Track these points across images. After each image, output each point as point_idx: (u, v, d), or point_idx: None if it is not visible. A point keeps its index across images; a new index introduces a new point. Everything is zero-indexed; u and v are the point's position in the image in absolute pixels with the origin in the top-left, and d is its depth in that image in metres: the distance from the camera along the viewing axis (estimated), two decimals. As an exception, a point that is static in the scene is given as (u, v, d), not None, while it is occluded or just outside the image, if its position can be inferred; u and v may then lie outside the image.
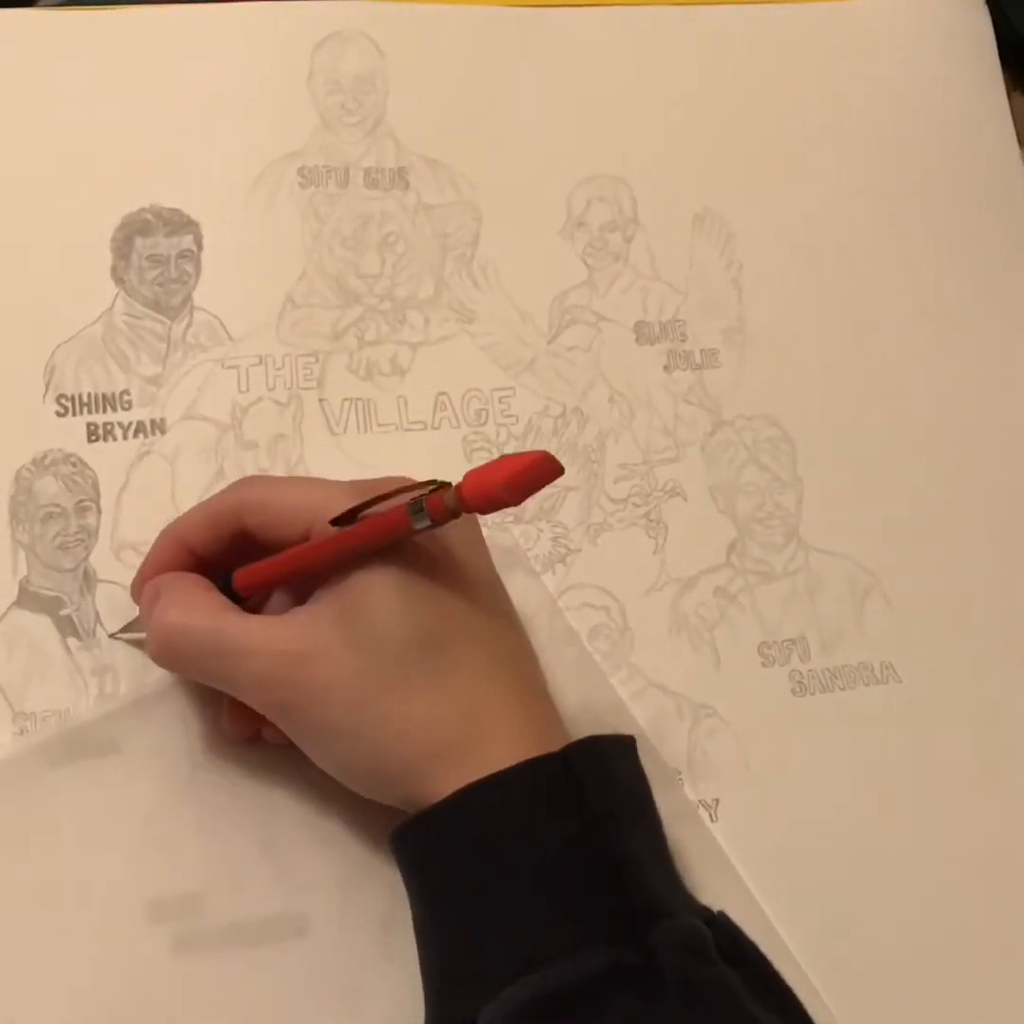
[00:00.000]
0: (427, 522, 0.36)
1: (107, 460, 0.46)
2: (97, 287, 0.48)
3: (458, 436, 0.49)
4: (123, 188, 0.49)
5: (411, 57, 0.52)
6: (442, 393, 0.50)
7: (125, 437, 0.47)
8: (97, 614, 0.45)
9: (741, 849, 0.46)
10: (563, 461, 0.48)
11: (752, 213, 0.54)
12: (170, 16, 0.51)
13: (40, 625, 0.44)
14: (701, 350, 0.52)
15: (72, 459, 0.46)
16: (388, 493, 0.38)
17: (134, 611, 0.44)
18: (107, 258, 0.48)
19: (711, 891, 0.43)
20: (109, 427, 0.47)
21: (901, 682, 0.49)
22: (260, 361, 0.48)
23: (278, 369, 0.48)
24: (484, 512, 0.35)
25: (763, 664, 0.48)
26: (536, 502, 0.49)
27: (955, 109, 0.57)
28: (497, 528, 0.48)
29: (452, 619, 0.39)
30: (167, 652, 0.40)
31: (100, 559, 0.45)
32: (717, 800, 0.46)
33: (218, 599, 0.40)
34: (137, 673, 0.44)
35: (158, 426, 0.47)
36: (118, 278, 0.48)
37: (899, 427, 0.53)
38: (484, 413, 0.50)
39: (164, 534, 0.43)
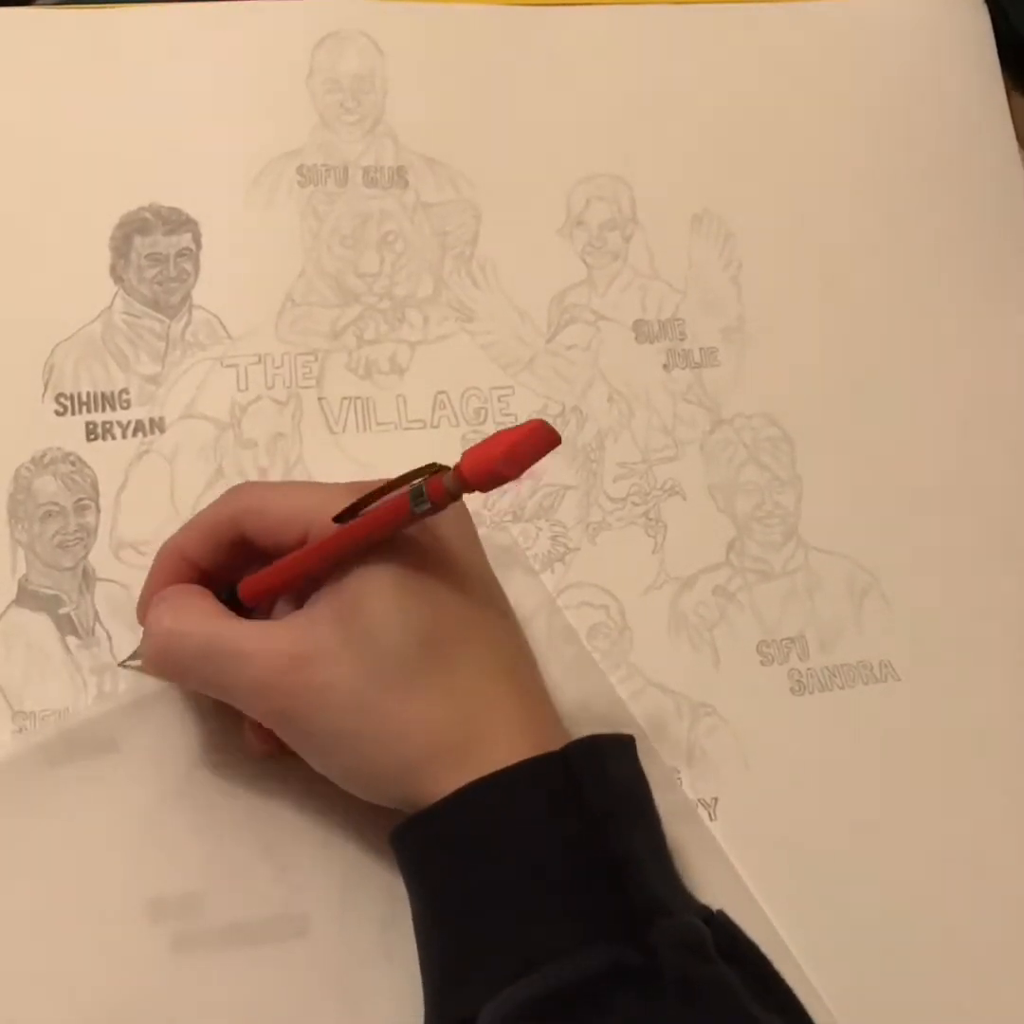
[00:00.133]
0: (428, 505, 0.36)
1: (106, 459, 0.46)
2: (96, 286, 0.48)
3: (457, 435, 0.49)
4: (122, 187, 0.49)
5: (411, 56, 0.52)
6: (441, 392, 0.50)
7: (124, 436, 0.47)
8: (96, 613, 0.45)
9: (740, 848, 0.46)
10: (562, 460, 0.49)
11: (751, 213, 0.54)
12: (169, 15, 0.51)
13: (39, 624, 0.44)
14: (700, 349, 0.52)
15: (71, 458, 0.46)
16: (385, 486, 0.38)
17: (132, 607, 0.44)
18: (106, 257, 0.48)
19: (710, 890, 0.43)
20: (108, 426, 0.47)
21: (900, 681, 0.49)
22: (259, 360, 0.48)
23: (277, 368, 0.48)
24: (485, 489, 0.35)
25: (762, 663, 0.48)
26: (535, 501, 0.49)
27: (955, 109, 0.57)
28: (495, 527, 0.48)
29: (449, 618, 0.39)
30: (162, 659, 0.40)
31: (99, 558, 0.45)
32: (716, 799, 0.46)
33: (214, 606, 0.40)
34: (137, 672, 0.44)
35: (157, 425, 0.47)
36: (117, 277, 0.48)
37: (898, 426, 0.53)
38: (483, 412, 0.50)
39: (163, 550, 0.42)
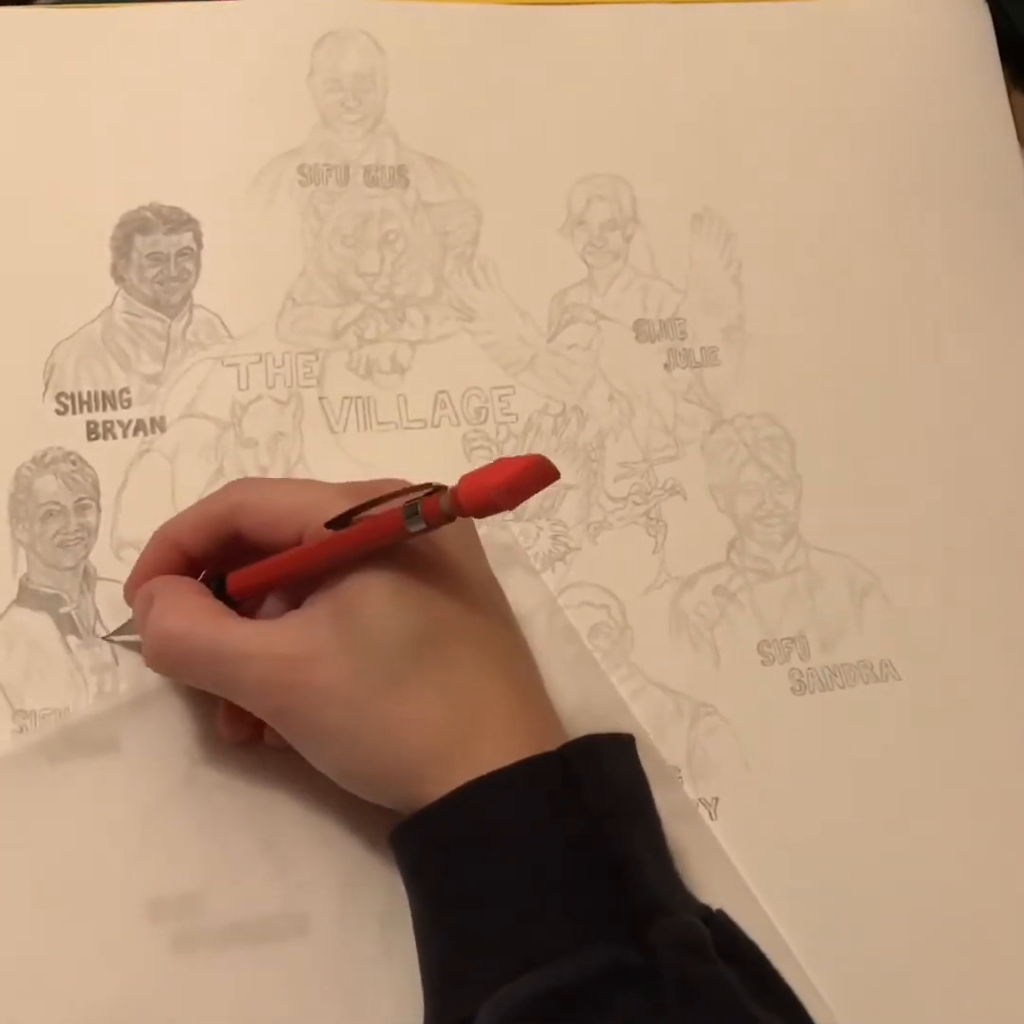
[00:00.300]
0: (422, 525, 0.36)
1: (107, 458, 0.46)
2: (97, 285, 0.48)
3: (458, 434, 0.49)
4: (122, 186, 0.49)
5: (411, 55, 0.52)
6: (442, 391, 0.50)
7: (125, 435, 0.47)
8: (97, 612, 0.45)
9: (741, 847, 0.46)
10: (563, 460, 0.49)
11: (752, 212, 0.54)
12: (169, 13, 0.51)
13: (40, 623, 0.44)
14: (701, 348, 0.52)
15: (72, 457, 0.46)
16: (383, 497, 0.38)
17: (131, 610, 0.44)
18: (107, 256, 0.48)
19: (710, 889, 0.43)
20: (109, 425, 0.47)
21: (900, 680, 0.49)
22: (260, 359, 0.48)
23: (278, 367, 0.48)
24: (479, 516, 0.35)
25: (763, 662, 0.48)
26: (535, 500, 0.49)
27: (955, 108, 0.57)
28: (496, 526, 0.48)
29: (447, 620, 0.39)
30: (164, 659, 0.40)
31: (100, 557, 0.45)
32: (717, 798, 0.46)
33: (214, 605, 0.40)
34: (137, 671, 0.44)
35: (158, 424, 0.47)
36: (118, 276, 0.48)
37: (899, 426, 0.53)
38: (484, 411, 0.50)
39: (156, 536, 0.42)
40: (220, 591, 0.41)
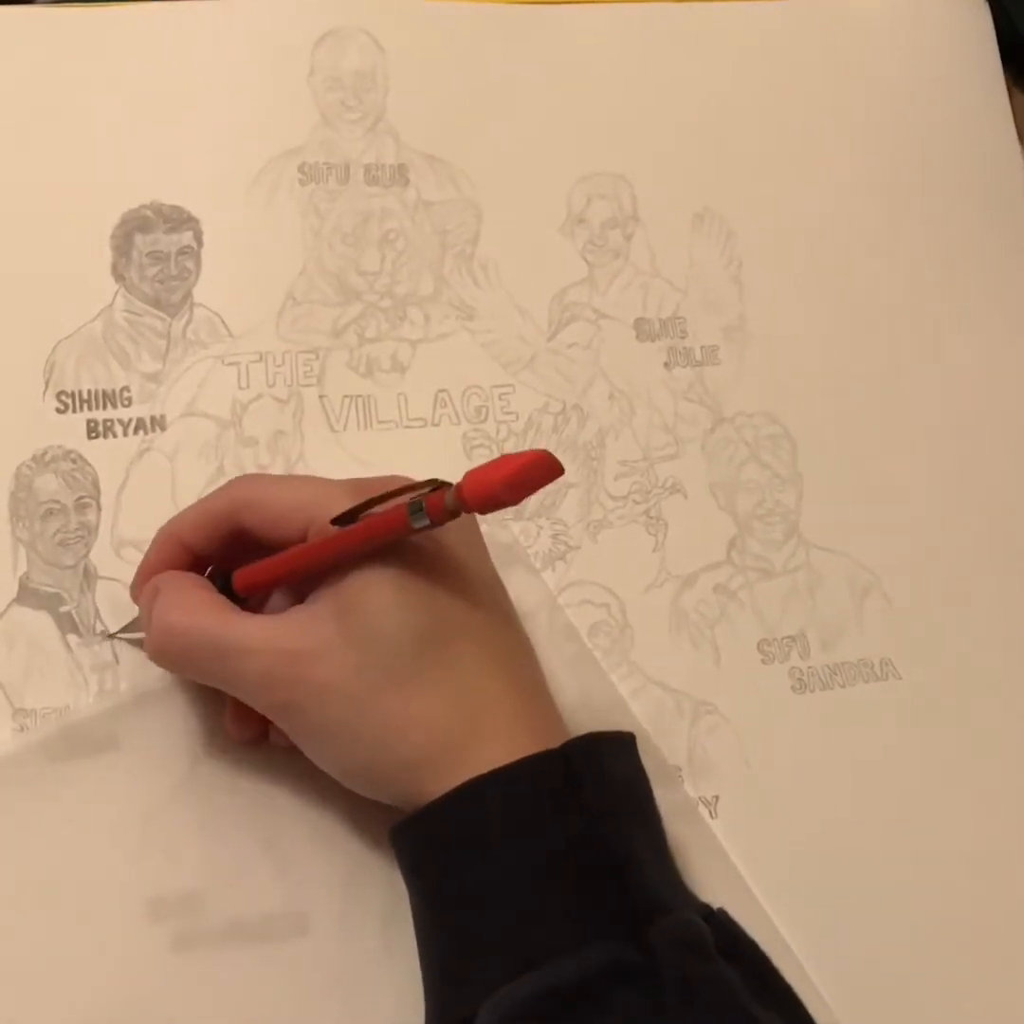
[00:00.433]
0: (426, 522, 0.36)
1: (107, 457, 0.46)
2: (97, 284, 0.48)
3: (458, 433, 0.49)
4: (123, 185, 0.49)
5: (412, 54, 0.52)
6: (442, 390, 0.50)
7: (125, 434, 0.47)
8: (97, 611, 0.45)
9: (741, 846, 0.46)
10: (563, 458, 0.48)
11: (752, 211, 0.54)
12: (170, 12, 0.51)
13: (40, 622, 0.44)
14: (701, 347, 0.52)
15: (72, 456, 0.46)
16: (387, 493, 0.38)
17: (134, 608, 0.44)
18: (107, 255, 0.48)
19: (711, 888, 0.43)
20: (109, 424, 0.47)
21: (901, 679, 0.49)
22: (260, 358, 0.48)
23: (278, 366, 0.48)
24: (484, 512, 0.35)
25: (763, 661, 0.48)
26: (536, 499, 0.49)
27: (955, 108, 0.57)
28: (497, 525, 0.48)
29: (450, 617, 0.39)
30: (167, 653, 0.40)
31: (100, 556, 0.45)
32: (717, 797, 0.46)
33: (217, 599, 0.40)
34: (137, 670, 0.44)
35: (158, 423, 0.47)
36: (118, 275, 0.48)
37: (899, 425, 0.53)
38: (484, 410, 0.50)
39: (161, 533, 0.42)
40: (225, 587, 0.41)
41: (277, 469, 0.47)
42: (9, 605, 0.44)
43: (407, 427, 0.49)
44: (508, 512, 0.48)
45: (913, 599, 0.50)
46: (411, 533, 0.37)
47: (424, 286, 0.51)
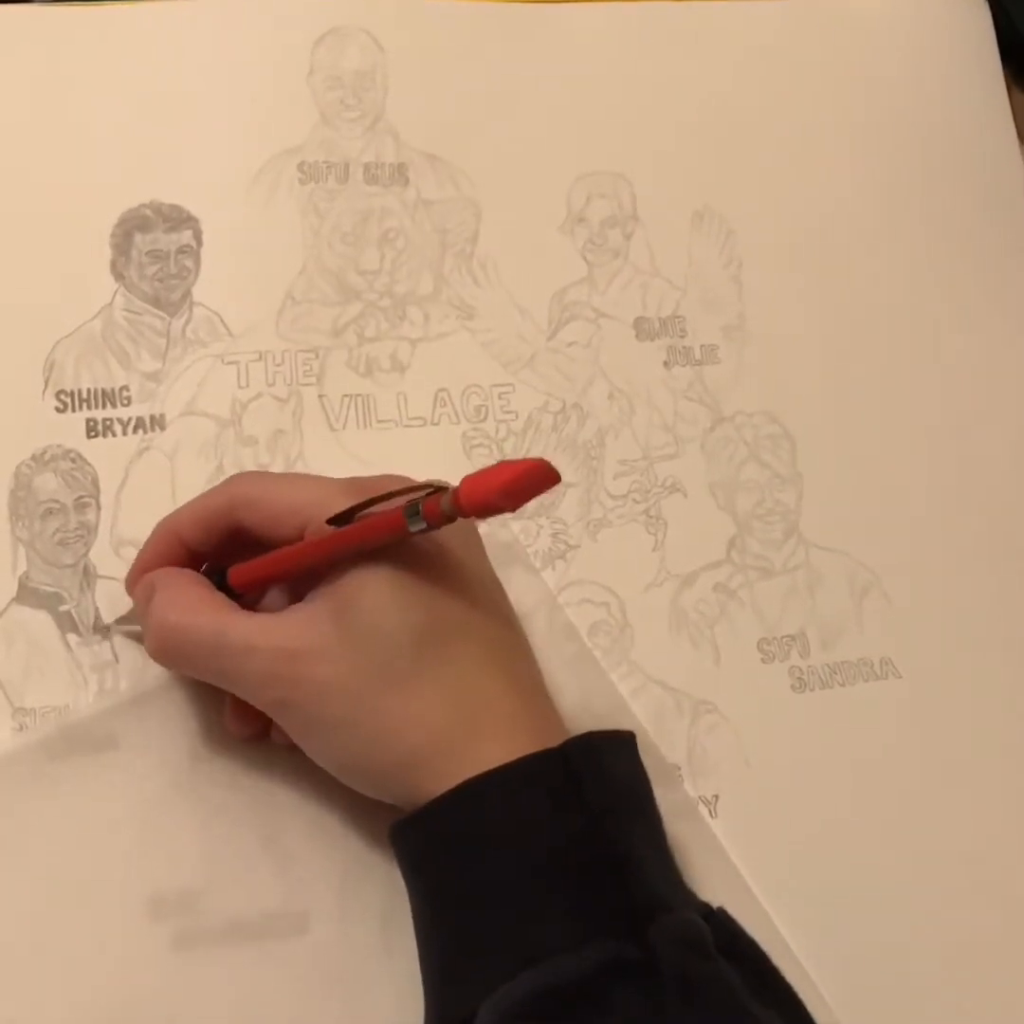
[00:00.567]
0: (423, 525, 0.36)
1: (107, 456, 0.46)
2: (97, 283, 0.48)
3: (458, 432, 0.49)
4: (122, 184, 0.49)
5: (411, 53, 0.52)
6: (442, 389, 0.50)
7: (124, 433, 0.47)
8: (96, 610, 0.45)
9: (741, 845, 0.46)
10: (562, 457, 0.49)
11: (752, 210, 0.54)
12: (170, 11, 0.51)
13: (40, 621, 0.44)
14: (701, 346, 0.52)
15: (72, 455, 0.46)
16: (385, 494, 0.38)
17: (132, 603, 0.44)
18: (107, 254, 0.48)
19: (711, 888, 0.42)
20: (109, 423, 0.47)
21: (901, 678, 0.49)
22: (260, 357, 0.48)
23: (278, 365, 0.48)
24: (480, 517, 0.35)
25: (763, 660, 0.48)
26: (536, 499, 0.49)
27: (955, 108, 0.57)
28: (496, 524, 0.48)
29: (448, 617, 0.39)
30: (167, 652, 0.40)
31: (100, 555, 0.45)
32: (717, 796, 0.46)
33: (216, 598, 0.40)
34: (137, 669, 0.44)
35: (157, 422, 0.47)
36: (118, 274, 0.48)
37: (899, 424, 0.53)
38: (484, 409, 0.50)
39: (159, 528, 0.42)
40: (221, 584, 0.41)
41: (277, 468, 0.47)
42: (9, 604, 0.44)
43: (407, 426, 0.49)
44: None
45: (913, 598, 0.50)
46: (407, 536, 0.37)
47: (424, 285, 0.51)
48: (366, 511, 0.38)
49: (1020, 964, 0.46)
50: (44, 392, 0.47)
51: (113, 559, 0.45)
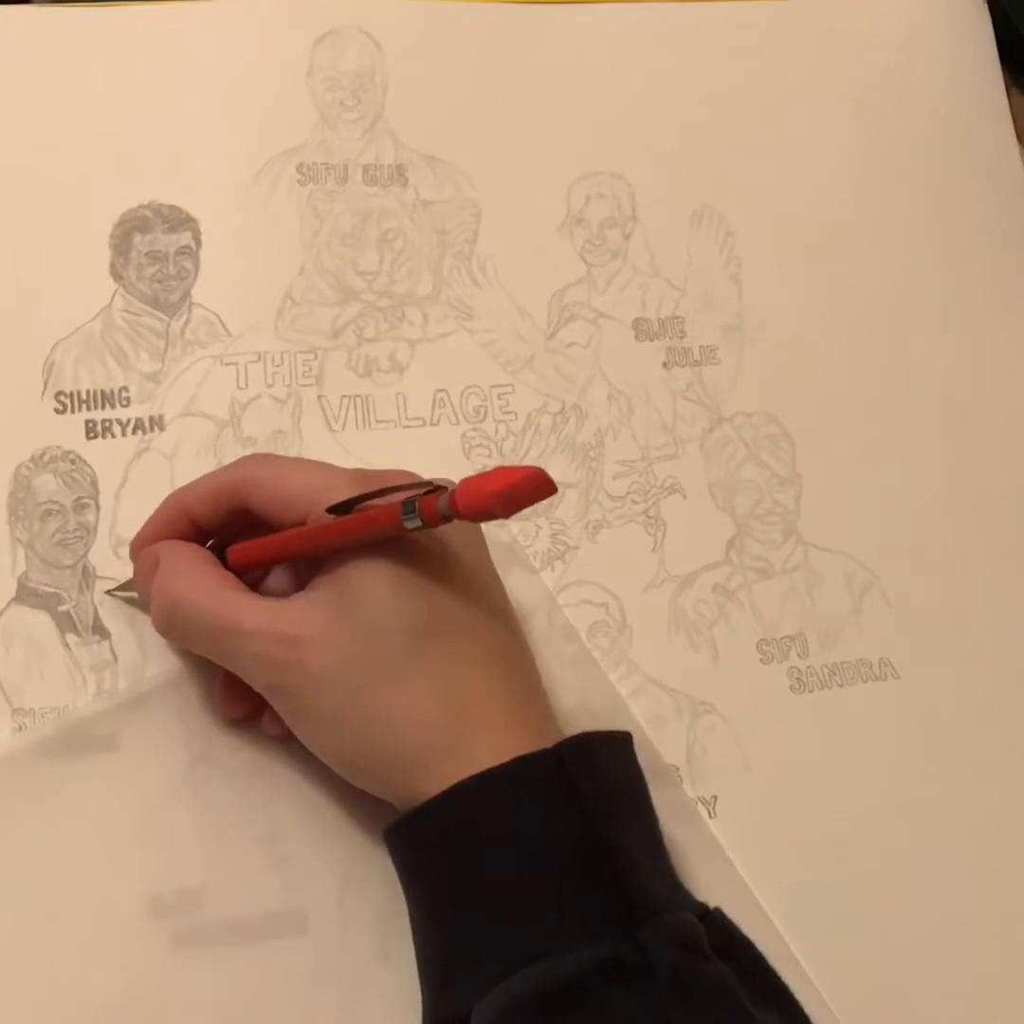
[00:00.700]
0: (418, 523, 0.36)
1: (106, 457, 0.46)
2: (96, 284, 0.48)
3: (457, 433, 0.49)
4: (122, 185, 0.49)
5: (410, 54, 0.52)
6: (441, 390, 0.50)
7: (124, 434, 0.47)
8: (96, 611, 0.45)
9: (739, 846, 0.46)
10: (562, 458, 0.50)
11: (751, 210, 0.54)
12: (168, 12, 0.51)
13: (39, 621, 0.44)
14: (700, 347, 0.52)
15: (71, 456, 0.46)
16: (387, 489, 0.38)
17: (133, 607, 0.44)
18: (106, 255, 0.48)
19: (710, 888, 0.42)
20: (108, 424, 0.47)
21: (899, 679, 0.49)
22: (259, 358, 0.48)
23: (277, 366, 0.48)
24: (475, 520, 0.36)
25: (762, 661, 0.48)
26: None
27: (955, 107, 0.57)
28: (495, 524, 0.48)
29: (446, 614, 0.39)
30: (171, 625, 0.41)
31: (99, 556, 0.45)
32: (715, 797, 0.46)
33: (223, 576, 0.41)
34: (136, 669, 0.44)
35: (156, 423, 0.47)
36: (117, 275, 0.48)
37: (898, 425, 0.53)
38: (483, 410, 0.50)
39: (169, 499, 0.43)
40: (222, 562, 0.41)
41: (276, 469, 0.47)
42: (8, 605, 0.44)
43: (406, 427, 0.49)
44: (506, 512, 0.48)
45: (912, 599, 0.50)
46: (402, 533, 0.37)
47: (423, 286, 0.51)
48: (366, 503, 0.38)
49: (1020, 963, 0.46)
50: (43, 393, 0.47)
51: (112, 560, 0.45)
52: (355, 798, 0.41)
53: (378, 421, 0.49)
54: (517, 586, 0.45)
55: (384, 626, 0.38)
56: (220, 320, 0.48)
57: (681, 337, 0.52)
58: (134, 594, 0.44)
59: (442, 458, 0.49)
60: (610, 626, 0.48)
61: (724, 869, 0.45)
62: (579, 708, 0.45)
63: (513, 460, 0.49)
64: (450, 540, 0.40)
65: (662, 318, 0.52)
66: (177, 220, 0.49)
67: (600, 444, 0.50)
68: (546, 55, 0.54)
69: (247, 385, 0.48)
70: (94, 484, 0.46)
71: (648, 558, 0.49)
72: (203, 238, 0.49)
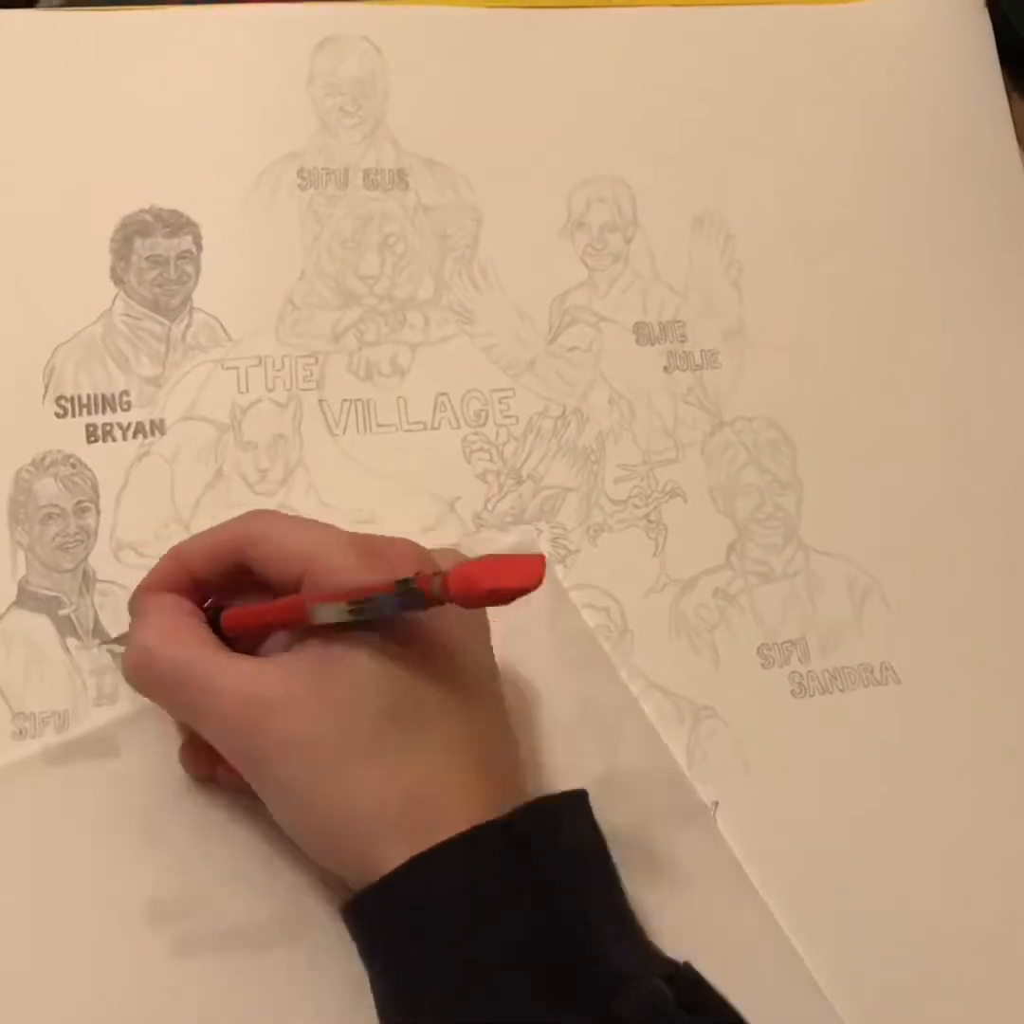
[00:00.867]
0: (397, 608, 0.36)
1: (106, 461, 0.46)
2: (96, 288, 0.48)
3: (458, 437, 0.49)
4: (123, 189, 0.49)
5: (410, 59, 0.52)
6: (442, 394, 0.50)
7: (124, 438, 0.47)
8: (96, 614, 0.45)
9: (741, 851, 0.46)
10: (563, 462, 0.50)
11: (752, 214, 0.54)
12: (170, 17, 0.51)
13: (39, 625, 0.44)
14: (701, 351, 0.52)
15: (71, 460, 0.46)
16: (379, 586, 0.37)
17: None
18: (106, 259, 0.49)
19: (718, 893, 0.43)
20: (108, 428, 0.47)
21: (900, 683, 0.49)
22: (259, 362, 0.48)
23: (277, 370, 0.48)
24: (466, 608, 0.35)
25: (763, 665, 0.48)
26: (536, 502, 0.49)
27: (955, 111, 0.57)
28: (498, 530, 0.48)
29: (426, 701, 0.38)
30: (137, 674, 0.40)
31: (99, 560, 0.45)
32: (717, 802, 0.46)
33: (200, 631, 0.40)
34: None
35: (157, 427, 0.47)
36: (117, 279, 0.48)
37: (899, 429, 0.53)
38: (484, 414, 0.50)
39: (169, 553, 0.42)
40: (217, 624, 0.40)
41: (276, 473, 0.47)
42: (8, 608, 0.44)
43: (407, 431, 0.49)
44: (507, 516, 0.48)
45: (913, 603, 0.50)
46: (395, 611, 0.36)
47: (424, 290, 0.51)
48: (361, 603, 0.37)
49: (1022, 962, 0.46)
50: (44, 397, 0.47)
51: (113, 564, 0.45)
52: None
53: (379, 425, 0.49)
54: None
55: (360, 708, 0.37)
56: (221, 324, 0.48)
57: (682, 341, 0.52)
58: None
59: (443, 462, 0.49)
60: (611, 630, 0.48)
61: (733, 874, 0.45)
62: (584, 708, 0.45)
63: (514, 464, 0.49)
64: (448, 620, 0.38)
65: (663, 322, 0.52)
66: (178, 224, 0.49)
67: (601, 448, 0.50)
68: (546, 60, 0.54)
69: (248, 389, 0.48)
70: (95, 488, 0.46)
71: (649, 562, 0.49)
72: (204, 242, 0.49)
